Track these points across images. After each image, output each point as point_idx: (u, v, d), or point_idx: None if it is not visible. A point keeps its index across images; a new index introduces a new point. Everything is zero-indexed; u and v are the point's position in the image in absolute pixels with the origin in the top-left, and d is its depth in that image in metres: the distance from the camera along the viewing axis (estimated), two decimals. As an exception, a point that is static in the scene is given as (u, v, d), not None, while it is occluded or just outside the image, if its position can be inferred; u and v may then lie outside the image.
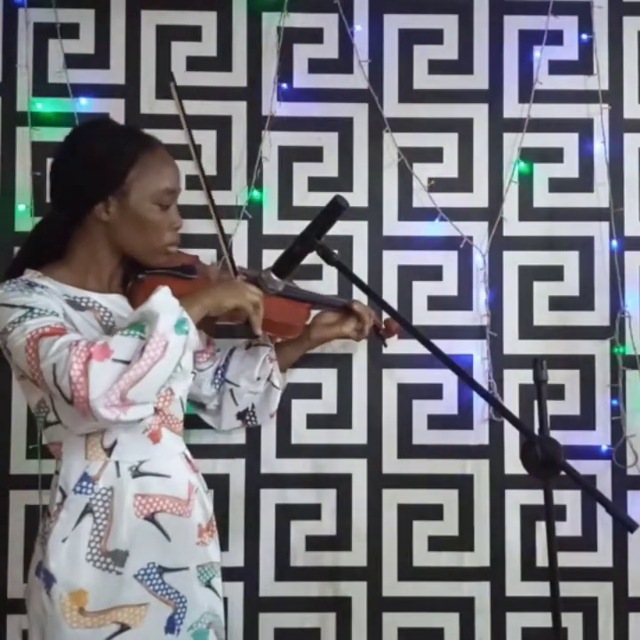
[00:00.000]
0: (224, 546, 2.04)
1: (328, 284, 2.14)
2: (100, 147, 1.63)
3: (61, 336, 1.47)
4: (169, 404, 1.60)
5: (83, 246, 1.67)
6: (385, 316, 2.03)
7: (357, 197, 2.15)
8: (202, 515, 1.72)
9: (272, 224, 2.16)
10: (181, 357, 1.50)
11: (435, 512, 2.15)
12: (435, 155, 2.19)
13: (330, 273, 2.13)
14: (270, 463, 2.14)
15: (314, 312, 1.98)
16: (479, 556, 2.14)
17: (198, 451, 1.92)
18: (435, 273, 2.18)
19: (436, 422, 2.16)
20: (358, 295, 2.08)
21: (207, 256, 2.08)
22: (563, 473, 1.43)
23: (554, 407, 1.96)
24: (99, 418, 1.44)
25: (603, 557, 2.15)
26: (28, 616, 1.63)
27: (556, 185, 2.19)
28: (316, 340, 1.96)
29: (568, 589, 2.04)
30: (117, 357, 1.44)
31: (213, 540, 1.75)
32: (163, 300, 1.51)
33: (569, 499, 2.14)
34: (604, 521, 2.13)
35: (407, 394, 2.16)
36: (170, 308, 1.50)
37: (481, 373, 2.15)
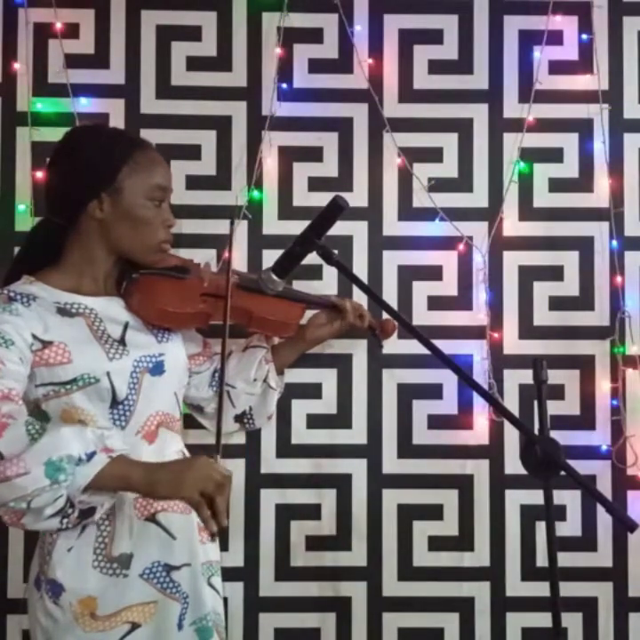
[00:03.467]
0: (224, 546, 2.04)
1: (328, 283, 2.14)
2: (93, 146, 1.67)
3: None
4: (15, 526, 1.47)
5: (78, 247, 1.68)
6: (383, 316, 2.03)
7: (357, 197, 2.15)
8: None
9: (272, 224, 2.16)
10: (30, 496, 1.41)
11: (435, 512, 2.15)
12: (435, 155, 2.19)
13: (330, 273, 2.13)
14: (270, 463, 2.14)
15: (311, 313, 1.99)
16: (479, 556, 2.14)
17: (198, 451, 1.91)
18: (435, 273, 2.18)
19: (436, 422, 2.16)
20: (358, 295, 2.08)
21: (206, 256, 2.08)
22: (563, 473, 1.43)
23: (554, 407, 1.95)
24: None
25: (603, 557, 2.15)
26: (30, 627, 1.64)
27: (556, 185, 2.19)
28: (311, 341, 1.97)
29: (568, 589, 2.04)
30: None
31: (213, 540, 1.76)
32: (66, 434, 1.45)
33: (569, 499, 2.14)
34: (604, 521, 2.13)
35: (407, 394, 2.16)
36: (58, 445, 1.43)
37: (481, 373, 2.15)
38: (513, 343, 2.17)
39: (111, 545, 1.59)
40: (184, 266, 1.82)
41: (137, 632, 1.59)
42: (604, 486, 2.13)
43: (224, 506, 1.56)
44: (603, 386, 2.16)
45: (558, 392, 2.15)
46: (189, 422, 2.02)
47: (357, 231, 2.16)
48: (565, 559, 2.01)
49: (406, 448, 2.15)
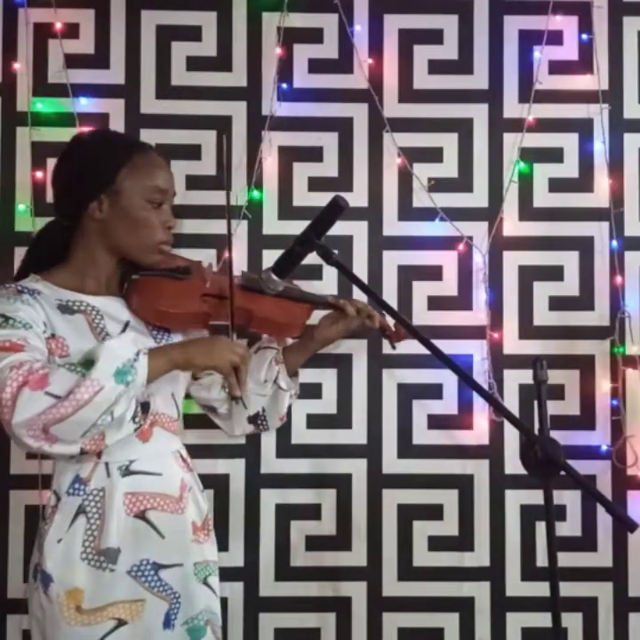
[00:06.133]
0: (224, 546, 2.05)
1: (328, 283, 2.14)
2: (93, 149, 1.72)
3: (15, 353, 1.50)
4: (98, 448, 1.55)
5: (81, 248, 1.72)
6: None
7: (357, 197, 2.15)
8: (196, 513, 1.74)
9: (272, 224, 2.16)
10: (113, 406, 1.49)
11: (435, 512, 2.15)
12: (435, 155, 2.19)
13: (330, 273, 2.13)
14: (270, 463, 2.14)
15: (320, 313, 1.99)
16: (479, 556, 2.14)
17: (198, 451, 1.92)
18: (435, 273, 2.18)
19: (435, 422, 2.16)
20: (358, 295, 2.08)
21: (206, 256, 2.08)
22: (563, 473, 1.43)
23: (554, 407, 1.96)
24: (21, 443, 1.49)
25: (603, 557, 2.15)
26: (28, 619, 1.66)
27: (556, 185, 2.19)
28: (320, 341, 1.97)
29: (568, 589, 2.04)
30: (51, 391, 1.46)
31: (210, 539, 1.77)
32: (115, 345, 1.53)
33: (569, 499, 2.14)
34: (604, 521, 2.13)
35: (407, 394, 2.16)
36: (117, 354, 1.51)
37: (481, 373, 2.15)
38: (513, 343, 2.17)
39: (99, 538, 1.61)
40: (186, 267, 1.83)
41: (123, 629, 1.61)
42: (604, 486, 2.13)
43: (246, 375, 1.65)
44: (603, 386, 2.16)
45: (558, 392, 2.15)
46: (189, 423, 2.02)
47: (357, 231, 2.16)
48: (565, 559, 2.01)
49: (406, 448, 2.15)
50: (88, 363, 1.49)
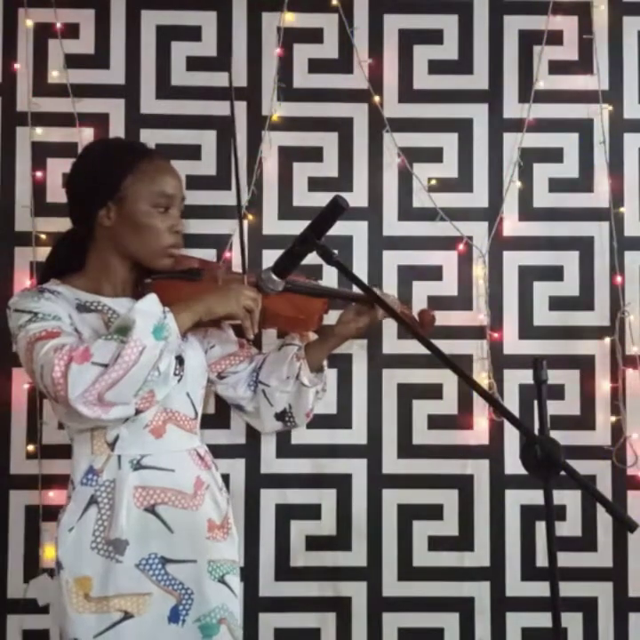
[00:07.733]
0: (224, 546, 2.05)
1: (328, 283, 2.13)
2: (101, 157, 1.77)
3: (53, 339, 1.57)
4: (151, 405, 1.63)
5: (95, 255, 1.78)
6: (417, 308, 2.01)
7: (357, 197, 2.15)
8: (214, 511, 1.76)
9: (272, 224, 2.16)
10: (158, 362, 1.58)
11: (435, 512, 2.15)
12: (435, 155, 2.19)
13: (330, 273, 2.13)
14: (270, 463, 2.14)
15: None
16: (479, 556, 2.14)
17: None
18: (435, 273, 2.18)
19: (436, 422, 2.16)
20: (358, 295, 2.08)
21: (206, 256, 2.08)
22: (563, 473, 1.43)
23: (554, 407, 1.96)
24: (81, 415, 1.55)
25: (603, 557, 2.15)
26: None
27: (556, 185, 2.19)
28: (340, 337, 1.97)
29: (568, 589, 2.04)
30: (96, 361, 1.54)
31: (229, 538, 1.79)
32: (144, 307, 1.61)
33: (569, 499, 2.14)
34: (604, 521, 2.13)
35: (407, 394, 2.16)
36: (150, 314, 1.59)
37: (481, 373, 2.15)
38: (513, 343, 2.17)
39: (109, 528, 1.65)
40: (198, 269, 1.85)
41: (129, 622, 1.63)
42: (604, 486, 2.13)
43: (258, 318, 1.73)
44: (603, 386, 2.16)
45: (558, 392, 2.15)
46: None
47: (357, 231, 2.16)
48: (565, 559, 2.01)
49: (406, 448, 2.15)
50: (122, 329, 1.56)
